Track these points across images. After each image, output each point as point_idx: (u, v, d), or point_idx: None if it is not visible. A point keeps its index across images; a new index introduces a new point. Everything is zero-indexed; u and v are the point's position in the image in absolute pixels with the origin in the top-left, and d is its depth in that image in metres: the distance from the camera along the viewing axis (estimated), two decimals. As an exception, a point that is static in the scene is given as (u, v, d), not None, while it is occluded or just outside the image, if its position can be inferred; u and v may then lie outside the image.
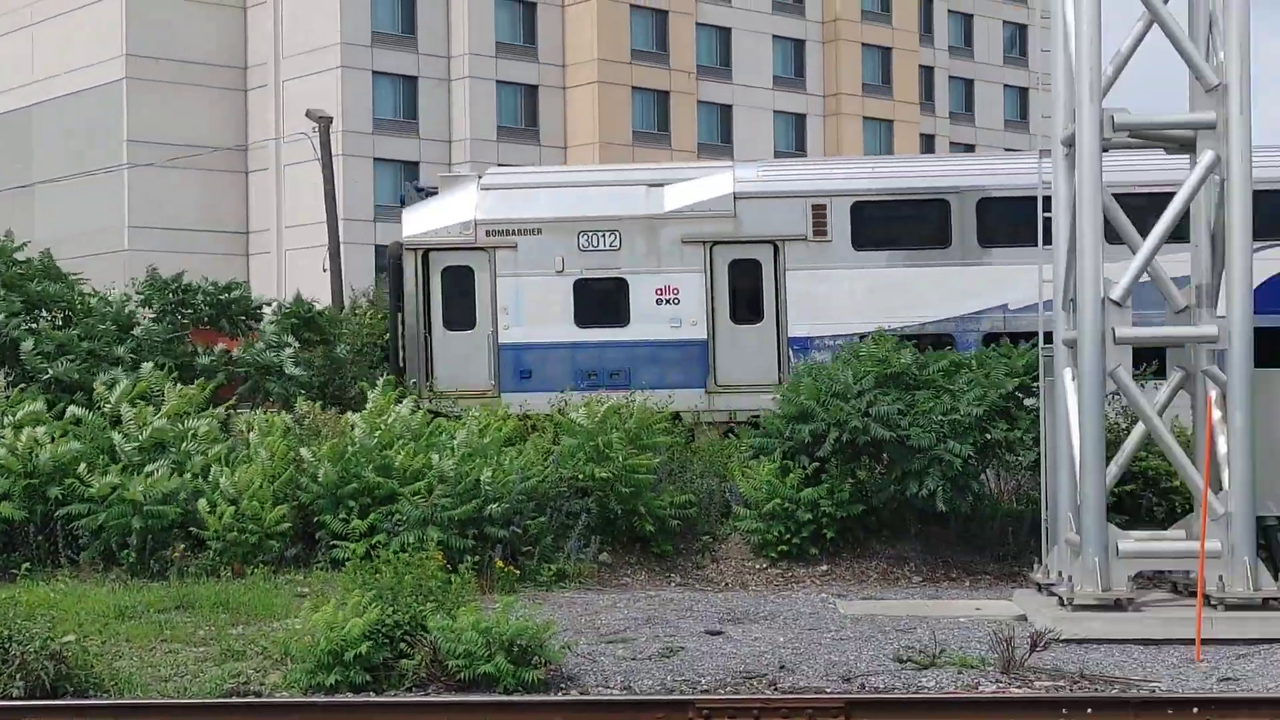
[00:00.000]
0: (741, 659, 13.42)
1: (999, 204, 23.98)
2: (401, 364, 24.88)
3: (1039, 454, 17.14)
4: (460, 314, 24.55)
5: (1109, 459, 15.63)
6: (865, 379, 18.60)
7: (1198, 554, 14.57)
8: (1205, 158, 15.35)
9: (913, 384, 18.73)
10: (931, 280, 23.92)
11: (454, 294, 24.51)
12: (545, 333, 24.19)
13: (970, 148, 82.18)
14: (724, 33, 73.65)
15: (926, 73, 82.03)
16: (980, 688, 12.30)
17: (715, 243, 24.29)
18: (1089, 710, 11.17)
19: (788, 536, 18.54)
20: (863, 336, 21.69)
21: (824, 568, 18.57)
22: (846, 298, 23.95)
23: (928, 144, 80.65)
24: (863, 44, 77.08)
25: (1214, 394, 15.40)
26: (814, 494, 18.57)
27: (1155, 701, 11.42)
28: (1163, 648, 13.91)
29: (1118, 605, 14.79)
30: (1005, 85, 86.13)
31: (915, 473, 18.17)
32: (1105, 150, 15.47)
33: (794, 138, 75.45)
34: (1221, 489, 15.09)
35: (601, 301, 24.38)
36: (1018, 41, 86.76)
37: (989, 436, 18.28)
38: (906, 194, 24.45)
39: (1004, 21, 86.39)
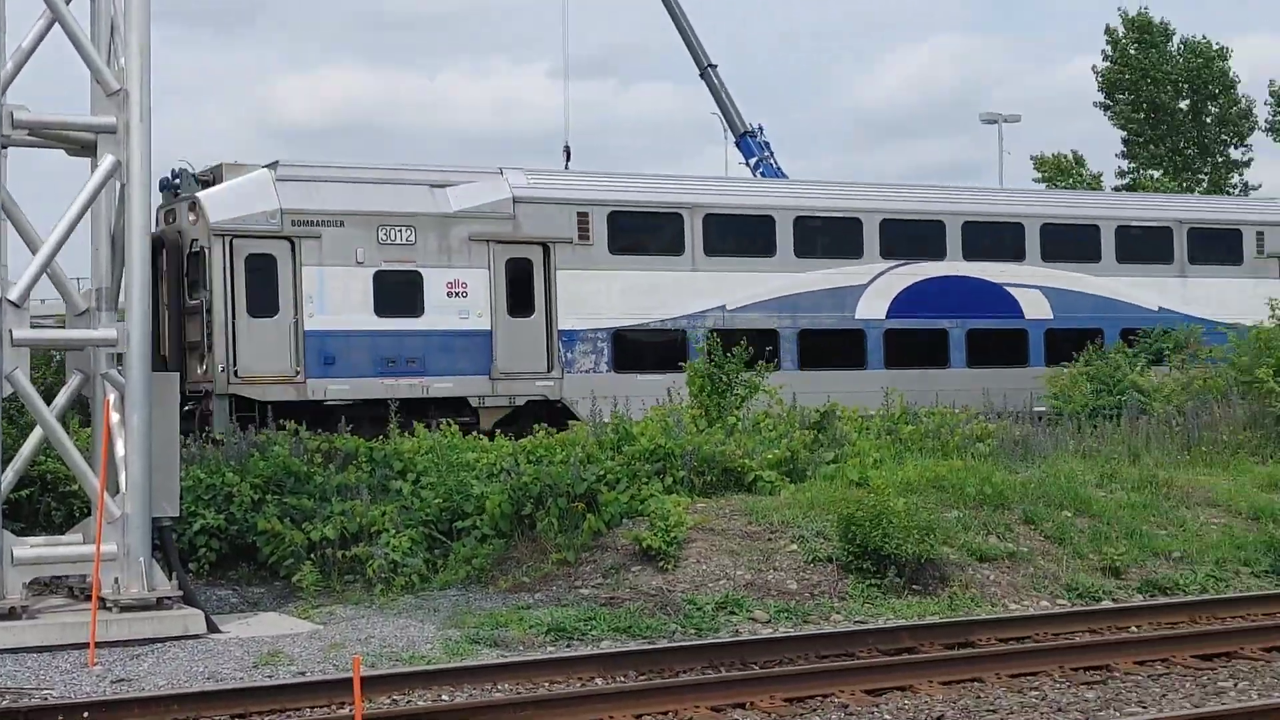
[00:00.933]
0: None
1: (721, 219, 28.79)
2: (181, 349, 24.92)
3: (-68, 461, 16.37)
4: (264, 300, 25.01)
5: (7, 463, 15.25)
6: None
7: (94, 557, 14.59)
8: (106, 161, 15.38)
9: None
10: (670, 283, 28.10)
11: (257, 281, 24.99)
12: (348, 321, 25.48)
13: None
14: None
15: None
16: None
17: (496, 241, 26.66)
18: (-24, 724, 10.84)
19: None
20: (620, 331, 27.42)
21: None
22: (605, 296, 27.42)
23: None
24: None
25: (113, 397, 15.45)
26: None
27: (46, 709, 11.33)
28: (59, 654, 13.77)
29: (13, 614, 14.39)
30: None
31: None
32: (5, 147, 15.19)
33: None
34: (120, 492, 15.18)
35: (399, 292, 25.90)
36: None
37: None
38: (650, 206, 28.44)
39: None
